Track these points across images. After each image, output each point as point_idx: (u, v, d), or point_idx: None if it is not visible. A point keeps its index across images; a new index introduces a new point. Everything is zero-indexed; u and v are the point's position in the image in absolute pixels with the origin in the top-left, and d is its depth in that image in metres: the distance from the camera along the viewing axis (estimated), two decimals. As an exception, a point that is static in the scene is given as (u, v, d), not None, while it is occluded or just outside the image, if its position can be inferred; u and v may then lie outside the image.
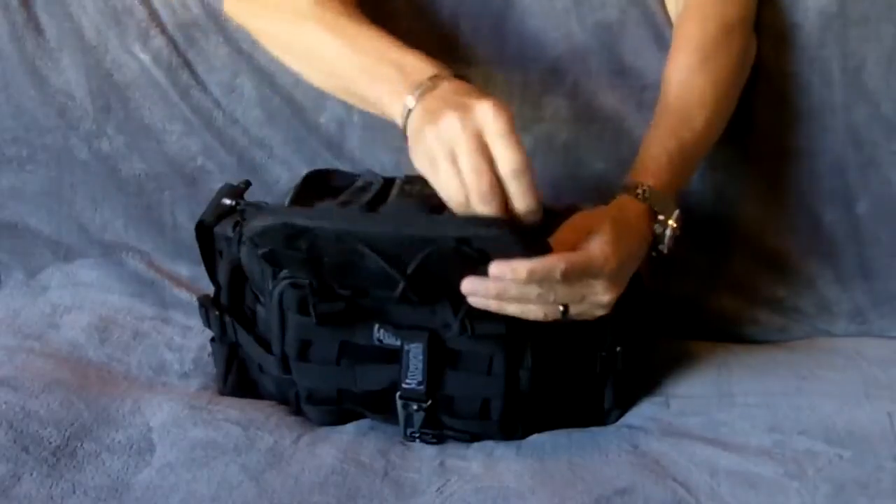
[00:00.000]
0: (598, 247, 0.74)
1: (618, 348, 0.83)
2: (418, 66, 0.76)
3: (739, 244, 0.98)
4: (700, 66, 0.87)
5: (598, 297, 0.75)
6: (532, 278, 0.71)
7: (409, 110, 0.74)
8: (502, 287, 0.72)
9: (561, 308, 0.74)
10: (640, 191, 0.81)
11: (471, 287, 0.73)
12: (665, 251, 0.81)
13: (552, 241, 0.73)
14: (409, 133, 0.74)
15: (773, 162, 0.95)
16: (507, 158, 0.70)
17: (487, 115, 0.70)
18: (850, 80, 0.93)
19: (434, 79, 0.75)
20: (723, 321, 0.99)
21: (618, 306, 0.78)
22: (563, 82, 0.95)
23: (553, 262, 0.71)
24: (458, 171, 0.71)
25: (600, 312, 0.76)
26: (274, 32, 0.88)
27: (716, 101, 0.87)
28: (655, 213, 0.81)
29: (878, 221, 0.96)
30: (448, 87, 0.74)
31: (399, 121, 0.75)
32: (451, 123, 0.70)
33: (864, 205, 0.95)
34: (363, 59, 0.80)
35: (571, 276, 0.72)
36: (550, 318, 0.74)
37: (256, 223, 0.74)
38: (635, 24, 0.94)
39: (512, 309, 0.74)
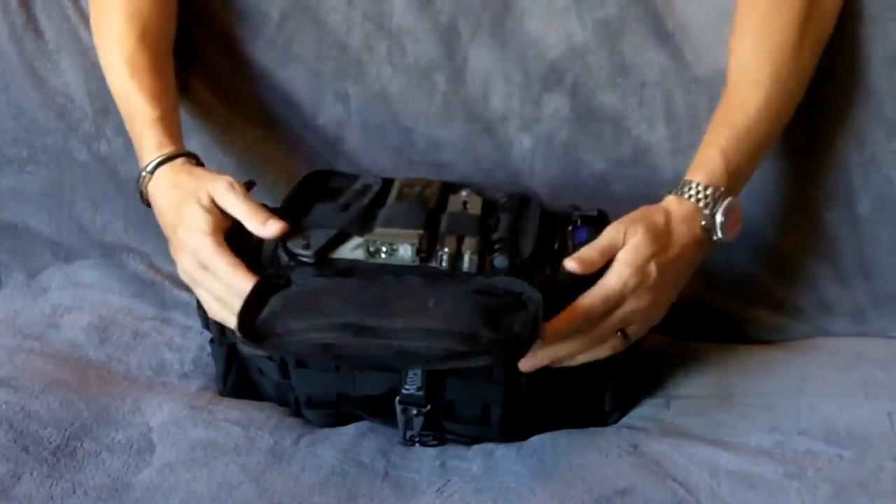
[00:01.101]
0: (614, 272, 0.77)
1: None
2: (152, 145, 0.87)
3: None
4: (754, 43, 0.87)
5: (638, 310, 0.78)
6: (564, 335, 0.75)
7: (148, 177, 0.87)
8: (553, 354, 0.76)
9: (619, 334, 0.78)
10: (686, 189, 0.82)
11: (529, 366, 0.77)
12: (724, 240, 0.82)
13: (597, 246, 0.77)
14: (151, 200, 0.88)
15: (775, 161, 0.95)
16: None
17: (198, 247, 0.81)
18: (854, 79, 0.93)
19: (158, 166, 0.86)
20: (723, 321, 0.99)
21: None
22: (563, 82, 0.95)
23: (573, 320, 0.75)
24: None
25: (653, 320, 0.80)
26: (101, 55, 0.95)
27: (774, 76, 0.85)
28: (701, 210, 0.81)
29: (879, 221, 0.95)
30: (166, 176, 0.86)
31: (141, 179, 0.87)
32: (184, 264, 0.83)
33: (866, 204, 0.95)
34: (127, 113, 0.91)
35: (594, 316, 0.76)
36: (618, 348, 0.79)
37: (245, 348, 0.74)
38: (636, 21, 0.94)
39: (581, 358, 0.78)
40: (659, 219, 0.80)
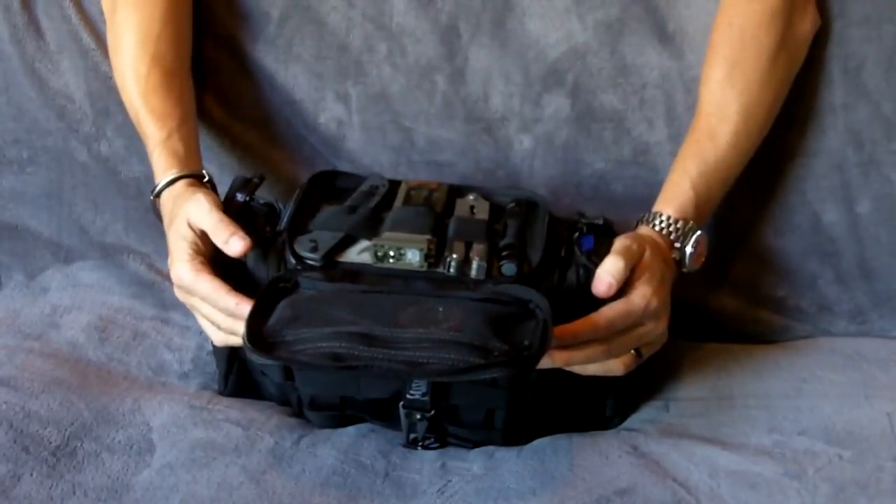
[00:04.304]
0: (639, 292, 0.77)
1: None
2: (159, 168, 0.88)
3: (740, 244, 0.98)
4: (726, 78, 0.88)
5: (655, 332, 0.79)
6: (588, 337, 0.75)
7: (158, 202, 0.88)
8: (567, 358, 0.75)
9: (633, 352, 0.79)
10: (657, 221, 0.84)
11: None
12: (688, 270, 0.85)
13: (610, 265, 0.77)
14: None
15: (774, 161, 0.95)
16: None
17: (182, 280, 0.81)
18: (851, 80, 0.93)
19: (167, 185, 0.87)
20: (723, 321, 0.99)
21: None
22: (563, 82, 0.95)
23: (593, 328, 0.75)
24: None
25: (663, 341, 0.81)
26: (115, 77, 0.96)
27: (743, 112, 0.87)
28: (672, 242, 0.83)
29: (878, 221, 0.95)
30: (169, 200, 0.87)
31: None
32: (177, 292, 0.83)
33: (865, 204, 0.95)
34: (142, 135, 0.92)
35: (614, 330, 0.76)
36: (630, 366, 0.79)
37: (257, 357, 0.73)
38: (636, 21, 0.94)
39: (592, 369, 0.78)
40: (654, 245, 0.81)
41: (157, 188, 0.88)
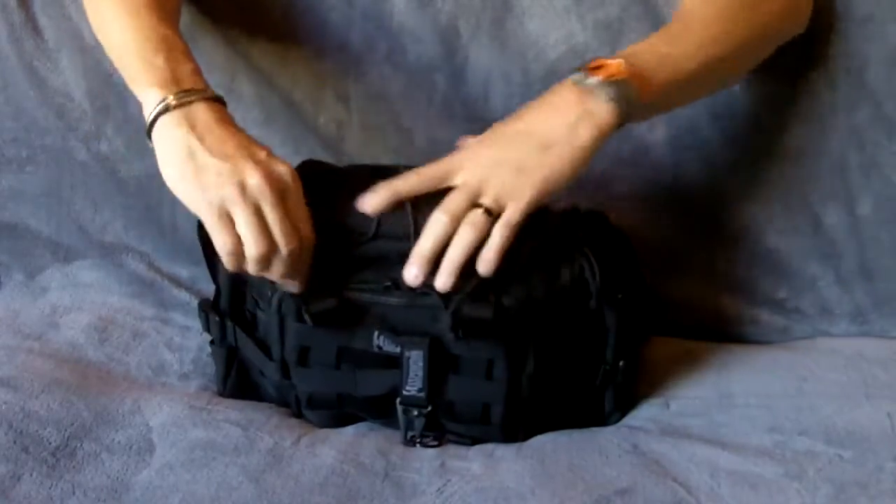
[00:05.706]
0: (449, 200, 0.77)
1: (621, 363, 0.84)
2: (185, 72, 0.79)
3: (740, 244, 0.98)
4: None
5: (489, 173, 0.77)
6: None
7: (166, 107, 0.77)
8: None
9: (481, 211, 0.76)
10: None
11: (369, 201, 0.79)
12: (618, 96, 0.77)
13: None
14: (161, 134, 0.78)
15: (775, 162, 0.95)
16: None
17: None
18: (853, 80, 0.93)
19: (192, 93, 0.78)
20: (723, 321, 0.99)
21: (622, 319, 0.81)
22: (564, 82, 0.95)
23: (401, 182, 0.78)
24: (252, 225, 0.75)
25: (522, 192, 0.77)
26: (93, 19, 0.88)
27: (720, 26, 0.83)
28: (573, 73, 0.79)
29: (879, 222, 0.95)
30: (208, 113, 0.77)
31: (149, 110, 0.77)
32: (255, 180, 0.75)
33: (866, 205, 0.95)
34: (139, 39, 0.80)
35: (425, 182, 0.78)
36: (480, 227, 0.76)
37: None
38: (636, 20, 0.94)
39: (453, 253, 0.76)
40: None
41: (194, 88, 0.78)
